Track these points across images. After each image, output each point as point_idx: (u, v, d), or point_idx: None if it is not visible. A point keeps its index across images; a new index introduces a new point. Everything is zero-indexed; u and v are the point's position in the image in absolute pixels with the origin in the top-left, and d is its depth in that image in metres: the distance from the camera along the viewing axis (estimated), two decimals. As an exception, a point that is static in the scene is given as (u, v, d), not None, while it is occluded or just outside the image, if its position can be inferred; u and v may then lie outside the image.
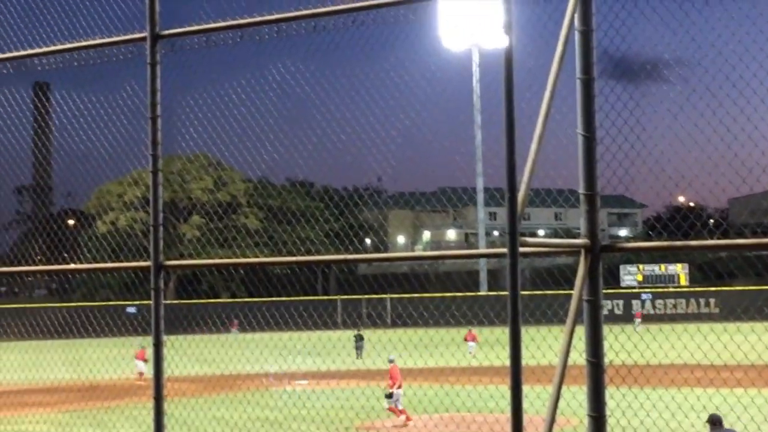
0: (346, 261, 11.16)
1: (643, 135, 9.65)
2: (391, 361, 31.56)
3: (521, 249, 8.24)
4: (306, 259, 11.96)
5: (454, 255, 9.11)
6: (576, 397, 10.28)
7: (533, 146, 9.05)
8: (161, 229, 11.22)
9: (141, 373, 48.02)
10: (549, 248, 9.36)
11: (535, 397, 11.39)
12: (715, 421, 16.02)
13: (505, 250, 8.29)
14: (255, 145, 13.07)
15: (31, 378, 28.75)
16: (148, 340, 11.16)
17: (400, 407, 30.22)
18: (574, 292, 8.99)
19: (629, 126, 9.62)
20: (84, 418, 32.99)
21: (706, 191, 9.74)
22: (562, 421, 8.21)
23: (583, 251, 9.15)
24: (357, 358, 57.48)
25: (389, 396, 30.38)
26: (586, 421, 8.85)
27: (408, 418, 29.97)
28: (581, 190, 9.26)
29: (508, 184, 8.26)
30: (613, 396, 9.94)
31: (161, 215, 11.20)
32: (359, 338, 61.22)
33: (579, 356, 8.95)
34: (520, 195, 8.51)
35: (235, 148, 13.32)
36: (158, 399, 11.02)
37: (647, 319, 78.04)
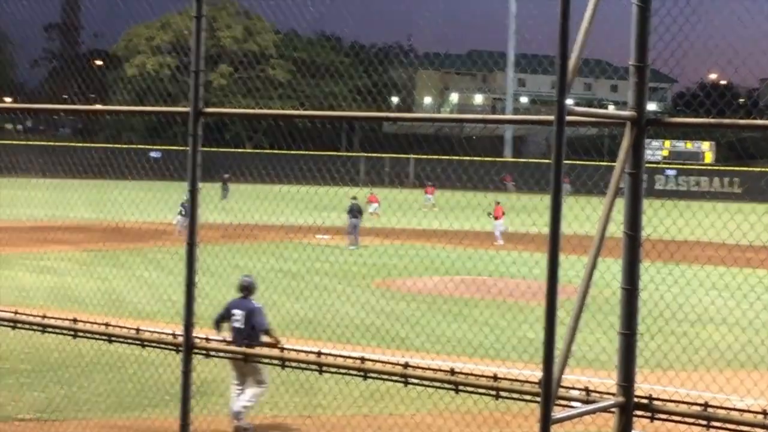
0: (387, 119, 11.05)
1: (699, 9, 9.40)
2: None
3: (567, 118, 8.11)
4: (343, 114, 11.83)
5: (501, 120, 8.86)
6: (610, 269, 10.28)
7: (587, 13, 8.84)
8: (202, 75, 11.08)
9: None
10: (595, 118, 9.23)
11: (569, 267, 11.40)
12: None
13: (551, 117, 8.18)
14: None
15: (52, 215, 28.96)
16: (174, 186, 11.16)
17: None
18: (617, 164, 8.90)
19: (686, -1, 9.35)
20: (105, 258, 33.45)
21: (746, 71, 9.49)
22: (595, 291, 8.22)
23: (629, 123, 9.03)
24: (222, 199, 55.80)
25: None
26: (619, 293, 8.87)
27: None
28: (632, 61, 9.08)
29: (560, 50, 8.06)
30: (647, 270, 9.95)
31: (202, 61, 11.05)
32: (227, 180, 63.14)
33: (617, 229, 8.90)
34: (571, 62, 8.33)
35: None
36: (191, 245, 11.06)
37: (670, 195, 77.89)
